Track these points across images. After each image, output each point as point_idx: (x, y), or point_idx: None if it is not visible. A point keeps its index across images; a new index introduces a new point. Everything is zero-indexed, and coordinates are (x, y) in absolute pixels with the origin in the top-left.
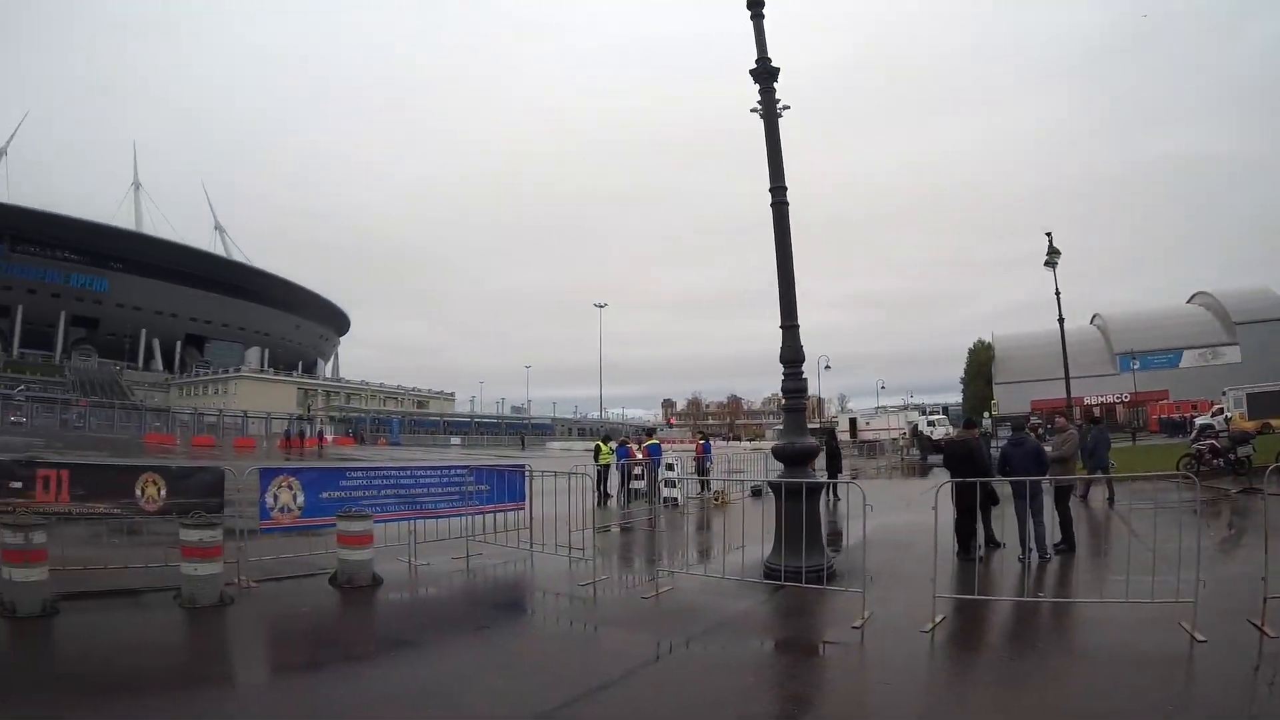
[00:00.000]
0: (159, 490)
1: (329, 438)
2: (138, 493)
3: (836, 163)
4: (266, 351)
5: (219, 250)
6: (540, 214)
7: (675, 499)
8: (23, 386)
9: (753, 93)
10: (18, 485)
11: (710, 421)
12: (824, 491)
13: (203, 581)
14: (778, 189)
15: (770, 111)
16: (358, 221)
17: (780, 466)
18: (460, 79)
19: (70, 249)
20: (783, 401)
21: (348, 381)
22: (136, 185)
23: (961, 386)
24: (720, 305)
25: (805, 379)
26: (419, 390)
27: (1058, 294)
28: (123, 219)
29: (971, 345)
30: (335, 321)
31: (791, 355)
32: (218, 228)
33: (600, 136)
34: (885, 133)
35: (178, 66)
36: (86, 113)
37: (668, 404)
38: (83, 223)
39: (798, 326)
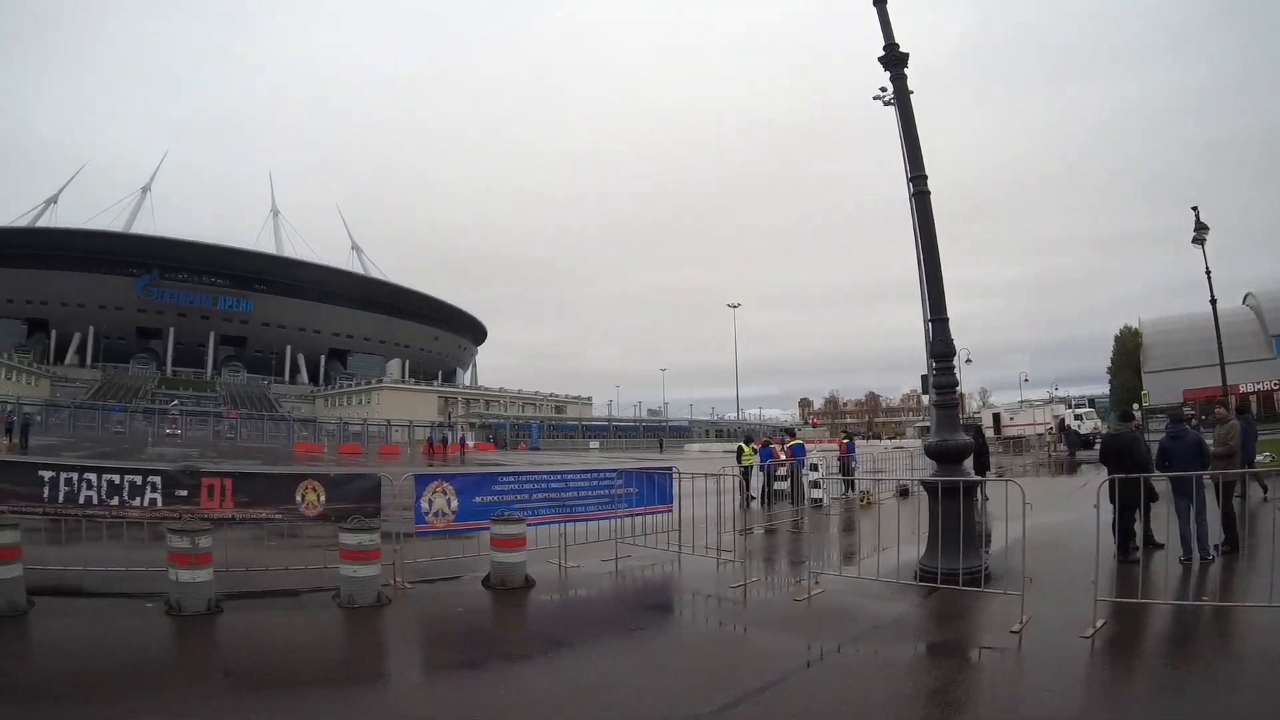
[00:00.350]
0: (319, 496)
1: (470, 444)
2: (298, 499)
3: (963, 141)
4: (407, 362)
5: (356, 268)
6: (673, 215)
7: (819, 500)
8: (176, 401)
9: (883, 76)
10: (183, 493)
11: (848, 420)
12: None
13: (361, 583)
14: (918, 178)
15: (903, 98)
16: (494, 233)
17: (927, 465)
18: (589, 97)
19: (216, 274)
20: (933, 397)
21: (486, 389)
22: (275, 212)
23: (1109, 377)
24: (853, 300)
25: (955, 373)
26: (556, 395)
27: (1208, 273)
28: (264, 244)
29: (1117, 332)
30: (473, 331)
31: (942, 349)
32: (355, 248)
33: (730, 131)
34: (1012, 105)
35: (315, 102)
36: (223, 148)
37: (805, 403)
38: (226, 249)
39: (947, 319)
